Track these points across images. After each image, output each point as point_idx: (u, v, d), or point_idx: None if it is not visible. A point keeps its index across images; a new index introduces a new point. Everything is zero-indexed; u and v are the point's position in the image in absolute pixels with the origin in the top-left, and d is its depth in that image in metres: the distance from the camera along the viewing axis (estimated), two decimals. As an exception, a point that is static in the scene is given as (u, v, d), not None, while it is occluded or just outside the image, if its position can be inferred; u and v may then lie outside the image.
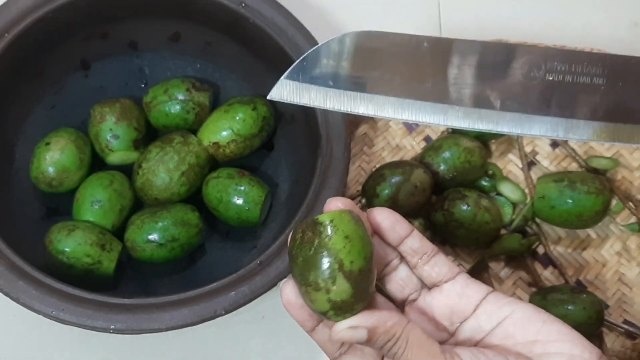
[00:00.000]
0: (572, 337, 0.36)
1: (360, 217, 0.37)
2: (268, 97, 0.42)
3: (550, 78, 0.39)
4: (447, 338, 0.39)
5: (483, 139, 0.65)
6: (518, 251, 0.61)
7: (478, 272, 0.61)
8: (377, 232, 0.39)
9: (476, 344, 0.38)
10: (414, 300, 0.40)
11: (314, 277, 0.35)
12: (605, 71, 0.39)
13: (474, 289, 0.39)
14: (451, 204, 0.59)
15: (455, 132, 0.65)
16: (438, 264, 0.39)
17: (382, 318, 0.35)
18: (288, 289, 0.37)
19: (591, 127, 0.38)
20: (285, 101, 0.41)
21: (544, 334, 0.36)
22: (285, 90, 0.41)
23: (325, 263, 0.35)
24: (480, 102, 0.39)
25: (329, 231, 0.35)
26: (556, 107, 0.39)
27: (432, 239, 0.60)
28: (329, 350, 0.39)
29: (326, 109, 0.40)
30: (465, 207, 0.59)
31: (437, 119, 0.39)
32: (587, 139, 0.38)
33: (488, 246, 0.61)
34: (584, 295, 0.57)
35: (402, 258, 0.40)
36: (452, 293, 0.39)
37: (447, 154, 0.62)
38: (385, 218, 0.39)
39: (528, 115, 0.39)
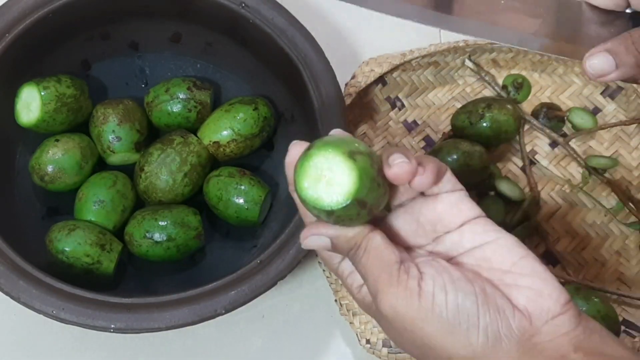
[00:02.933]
0: (545, 276, 0.36)
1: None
2: None
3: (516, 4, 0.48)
4: (425, 243, 0.39)
5: (485, 143, 0.64)
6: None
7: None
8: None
9: (452, 258, 0.38)
10: (401, 204, 0.40)
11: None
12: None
13: (468, 206, 0.38)
14: None
15: (455, 136, 0.65)
16: (443, 181, 0.38)
17: (344, 230, 0.37)
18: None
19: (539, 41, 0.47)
20: None
21: (518, 267, 0.36)
22: None
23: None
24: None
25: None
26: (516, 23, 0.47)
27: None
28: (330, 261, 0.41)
29: None
30: None
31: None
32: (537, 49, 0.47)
33: None
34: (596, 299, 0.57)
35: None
36: (446, 201, 0.38)
37: (446, 157, 0.62)
38: (430, 177, 0.37)
39: (490, 25, 0.47)
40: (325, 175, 0.35)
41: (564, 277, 0.61)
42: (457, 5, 0.47)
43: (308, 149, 0.35)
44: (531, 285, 0.35)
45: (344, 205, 0.34)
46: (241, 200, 0.58)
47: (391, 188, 0.38)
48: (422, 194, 0.39)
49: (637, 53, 0.42)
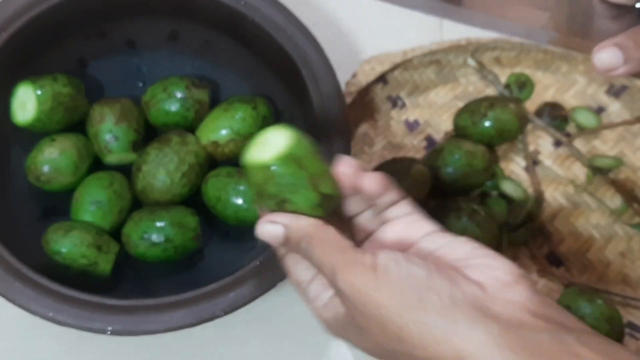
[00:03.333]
0: (497, 256, 0.37)
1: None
2: None
3: None
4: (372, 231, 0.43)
5: (488, 143, 0.64)
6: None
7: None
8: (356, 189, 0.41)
9: (404, 247, 0.40)
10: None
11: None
12: None
13: (428, 223, 0.41)
14: (444, 214, 0.59)
15: (458, 136, 0.64)
16: (402, 205, 0.41)
17: (297, 218, 0.39)
18: None
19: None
20: None
21: (470, 254, 0.37)
22: None
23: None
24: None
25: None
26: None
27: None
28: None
29: None
30: (456, 220, 0.58)
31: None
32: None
33: None
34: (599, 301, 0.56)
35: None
36: (406, 220, 0.41)
37: (448, 157, 0.61)
38: (374, 184, 0.40)
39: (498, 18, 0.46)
40: (267, 143, 0.39)
41: (567, 279, 0.61)
42: None
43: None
44: (484, 263, 0.36)
45: (281, 157, 0.38)
46: (240, 201, 0.58)
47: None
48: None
49: None
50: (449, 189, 0.61)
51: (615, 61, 0.42)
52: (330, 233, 0.38)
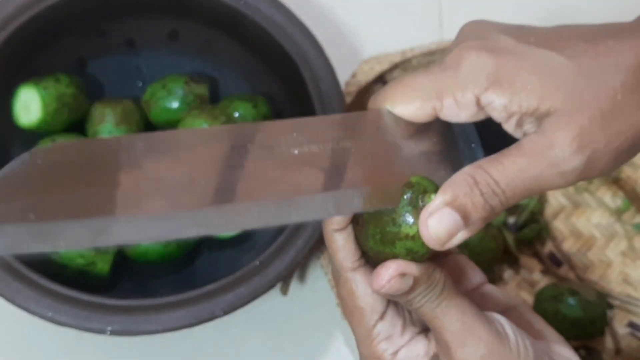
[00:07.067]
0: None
1: None
2: None
3: (296, 152, 0.31)
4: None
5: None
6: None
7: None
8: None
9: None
10: None
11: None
12: (347, 132, 0.34)
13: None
14: None
15: None
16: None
17: (425, 267, 0.32)
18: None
19: (361, 195, 0.31)
20: None
21: None
22: None
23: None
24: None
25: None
26: (321, 182, 0.31)
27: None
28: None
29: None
30: None
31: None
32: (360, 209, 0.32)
33: (486, 271, 0.60)
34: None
35: None
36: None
37: None
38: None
39: (291, 200, 0.30)
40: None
41: (569, 278, 0.61)
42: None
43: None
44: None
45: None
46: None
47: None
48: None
49: (488, 206, 0.31)
50: None
51: (454, 227, 0.31)
52: (456, 290, 0.33)
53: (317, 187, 0.31)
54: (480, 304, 0.35)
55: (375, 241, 0.32)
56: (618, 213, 0.63)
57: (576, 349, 0.57)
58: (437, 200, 0.31)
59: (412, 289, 0.32)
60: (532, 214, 0.62)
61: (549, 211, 0.64)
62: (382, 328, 0.35)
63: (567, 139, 0.31)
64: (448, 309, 0.33)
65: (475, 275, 0.38)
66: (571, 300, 0.56)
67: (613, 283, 0.61)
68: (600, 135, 0.31)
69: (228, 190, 0.29)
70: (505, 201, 0.31)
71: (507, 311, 0.37)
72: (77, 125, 0.61)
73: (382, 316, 0.35)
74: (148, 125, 0.62)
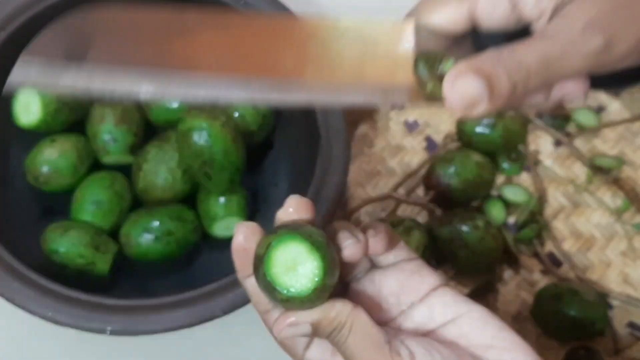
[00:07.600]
0: (524, 347, 0.35)
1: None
2: (7, 86, 0.33)
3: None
4: (391, 318, 0.37)
5: (494, 152, 0.64)
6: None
7: (482, 295, 0.60)
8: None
9: (426, 333, 0.36)
10: (360, 278, 0.38)
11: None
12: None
13: (428, 272, 0.37)
14: (460, 222, 0.59)
15: (464, 147, 0.64)
16: (398, 248, 0.37)
17: (326, 309, 0.34)
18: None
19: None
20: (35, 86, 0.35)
21: (499, 340, 0.35)
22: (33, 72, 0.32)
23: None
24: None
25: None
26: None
27: (429, 255, 0.59)
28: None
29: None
30: (474, 229, 0.58)
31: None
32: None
33: (486, 271, 0.60)
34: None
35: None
36: (406, 269, 0.37)
37: (459, 167, 0.61)
38: (379, 247, 0.36)
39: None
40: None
41: (569, 279, 0.61)
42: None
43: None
44: (515, 359, 0.35)
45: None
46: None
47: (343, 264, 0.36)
48: (375, 265, 0.38)
49: (512, 80, 0.31)
50: (457, 199, 0.61)
51: (478, 93, 0.31)
52: (363, 319, 0.34)
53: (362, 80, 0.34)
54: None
55: (267, 292, 0.34)
56: (618, 213, 0.63)
57: (576, 349, 0.57)
58: (462, 65, 0.31)
59: (315, 332, 0.34)
60: (532, 214, 0.62)
61: (548, 211, 0.64)
62: (312, 355, 0.36)
63: (586, 19, 0.32)
64: (355, 343, 0.34)
65: (430, 279, 0.37)
66: (571, 300, 0.56)
67: (613, 283, 0.61)
68: (619, 18, 0.33)
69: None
70: (527, 78, 0.32)
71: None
72: (77, 125, 0.61)
73: (307, 345, 0.36)
74: (148, 125, 0.62)
